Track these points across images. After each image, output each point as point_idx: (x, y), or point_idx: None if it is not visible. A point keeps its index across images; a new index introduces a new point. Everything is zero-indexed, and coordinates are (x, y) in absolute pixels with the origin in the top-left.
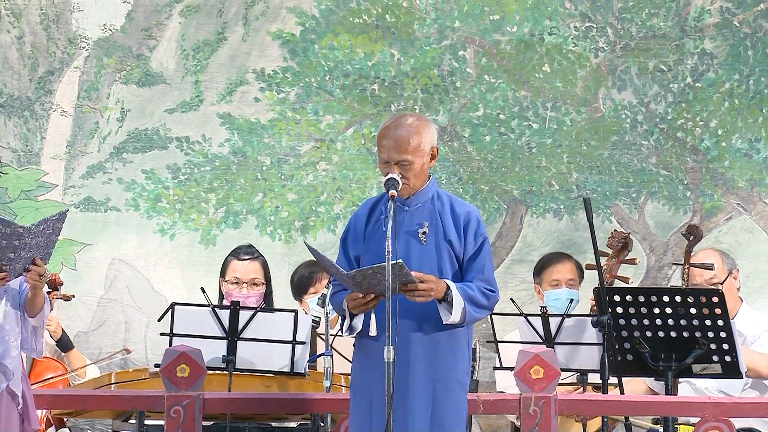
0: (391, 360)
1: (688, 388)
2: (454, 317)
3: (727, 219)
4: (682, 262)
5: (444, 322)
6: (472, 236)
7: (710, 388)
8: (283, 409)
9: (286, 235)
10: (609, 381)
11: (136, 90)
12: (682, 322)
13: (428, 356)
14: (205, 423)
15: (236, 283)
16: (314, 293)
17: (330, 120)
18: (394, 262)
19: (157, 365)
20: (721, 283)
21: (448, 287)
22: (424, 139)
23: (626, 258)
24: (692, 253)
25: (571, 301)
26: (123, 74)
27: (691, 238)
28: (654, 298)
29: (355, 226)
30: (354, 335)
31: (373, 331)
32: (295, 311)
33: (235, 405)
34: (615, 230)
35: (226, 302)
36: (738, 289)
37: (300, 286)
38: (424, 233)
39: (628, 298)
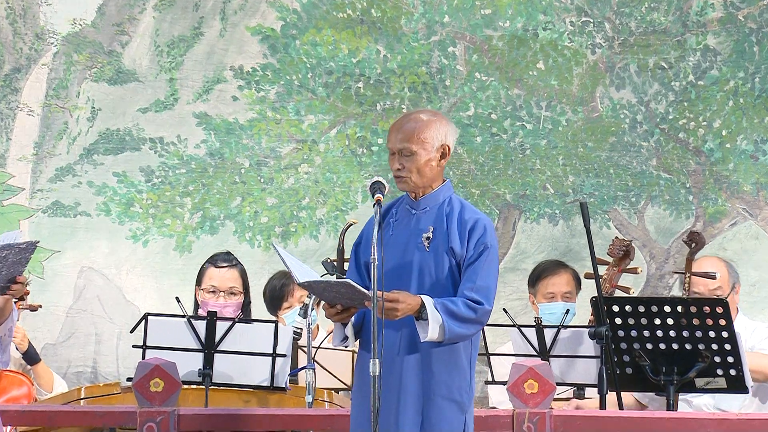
0: (377, 374)
1: (685, 406)
2: (432, 334)
3: (731, 225)
4: (683, 270)
5: (422, 340)
6: (474, 243)
7: (708, 406)
8: (262, 426)
9: (266, 242)
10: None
11: (108, 88)
12: (685, 333)
13: (421, 372)
14: None
15: (213, 292)
16: (288, 307)
17: (312, 120)
18: (344, 280)
19: (129, 379)
20: (726, 297)
21: (424, 304)
22: (433, 133)
23: (627, 267)
24: (694, 261)
25: (567, 311)
26: (94, 72)
27: (693, 245)
28: (655, 309)
29: (368, 233)
30: (346, 346)
31: (350, 344)
32: (276, 322)
33: (212, 421)
34: (616, 237)
35: (201, 312)
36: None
37: (273, 299)
38: (427, 239)
39: (628, 308)
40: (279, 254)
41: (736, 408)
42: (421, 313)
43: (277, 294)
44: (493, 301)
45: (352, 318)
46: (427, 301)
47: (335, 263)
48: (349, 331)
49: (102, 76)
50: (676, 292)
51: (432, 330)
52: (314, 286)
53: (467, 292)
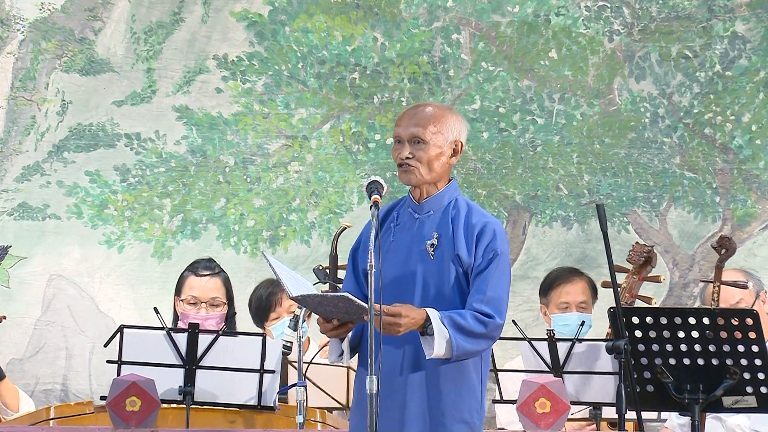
0: (374, 392)
1: (717, 425)
2: (438, 351)
3: (762, 228)
4: (712, 279)
5: (427, 357)
6: (482, 250)
7: (743, 426)
8: None
9: (253, 247)
10: (626, 416)
11: (79, 79)
12: (711, 347)
13: (426, 390)
14: None
15: (193, 303)
16: (276, 318)
17: (303, 114)
18: (342, 294)
19: (103, 398)
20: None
21: (429, 318)
22: (447, 126)
23: (649, 275)
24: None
25: (583, 323)
26: (64, 61)
27: (723, 251)
28: (678, 320)
29: (367, 237)
30: (343, 362)
31: (345, 360)
32: (263, 335)
33: None
34: (637, 243)
35: (182, 324)
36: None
37: (259, 310)
38: (432, 246)
39: (648, 319)
40: (270, 264)
41: None
42: (426, 328)
43: (263, 304)
44: (505, 313)
45: (349, 333)
46: (433, 314)
47: (328, 271)
48: (345, 346)
49: (73, 66)
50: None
51: (438, 346)
52: (308, 301)
53: (476, 304)
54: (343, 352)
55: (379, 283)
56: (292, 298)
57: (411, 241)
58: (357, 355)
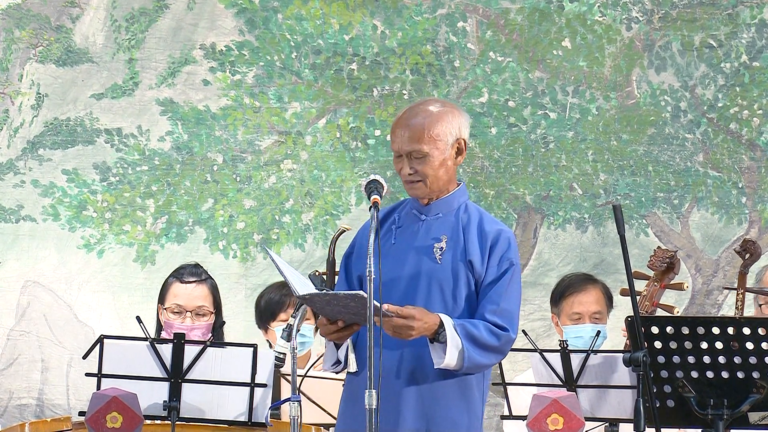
0: (374, 407)
1: None
2: (449, 361)
3: None
4: (736, 286)
5: (435, 367)
6: (497, 259)
7: None
8: None
9: (243, 252)
10: None
11: (56, 70)
12: (737, 359)
13: (423, 404)
14: None
15: (178, 312)
16: (284, 320)
17: (297, 108)
18: (356, 293)
19: (81, 413)
20: None
21: (442, 324)
22: (446, 128)
23: (671, 282)
24: (748, 275)
25: (598, 333)
26: (39, 51)
27: (747, 255)
28: (701, 330)
29: (362, 241)
30: (338, 371)
31: (352, 367)
32: (254, 346)
33: None
34: (659, 247)
35: (166, 335)
36: None
37: (266, 311)
38: (440, 249)
39: (669, 329)
40: (273, 260)
41: None
42: (438, 335)
43: (274, 306)
44: (517, 328)
45: (348, 341)
46: (447, 321)
47: (324, 277)
48: (342, 354)
49: (49, 56)
50: (727, 311)
51: (450, 356)
52: (316, 300)
53: (489, 316)
54: (338, 360)
55: (380, 289)
56: (299, 297)
57: (416, 242)
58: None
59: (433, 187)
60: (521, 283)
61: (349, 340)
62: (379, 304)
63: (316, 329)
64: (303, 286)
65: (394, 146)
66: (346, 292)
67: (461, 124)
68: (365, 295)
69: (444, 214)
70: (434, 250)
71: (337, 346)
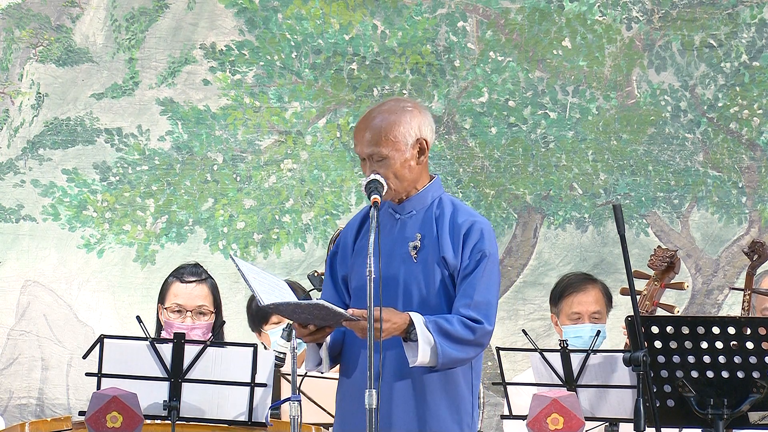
0: (374, 407)
1: None
2: (422, 358)
3: None
4: (743, 286)
5: (410, 365)
6: (469, 251)
7: None
8: None
9: (243, 251)
10: None
11: (56, 70)
12: (737, 359)
13: (414, 403)
14: None
15: (178, 311)
16: (276, 323)
17: (297, 108)
18: (315, 302)
19: (82, 413)
20: None
21: (413, 322)
22: (403, 128)
23: (671, 282)
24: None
25: (598, 333)
26: (39, 50)
27: (756, 257)
28: (701, 330)
29: (345, 241)
30: (323, 371)
31: (325, 369)
32: (254, 345)
33: None
34: (659, 247)
35: (166, 334)
36: None
37: (258, 314)
38: (415, 248)
39: (669, 329)
40: (238, 269)
41: None
42: (409, 333)
43: (265, 309)
44: (494, 319)
45: (327, 339)
46: (417, 319)
47: (323, 277)
48: (323, 353)
49: (49, 56)
50: (728, 310)
51: (423, 353)
52: (282, 309)
53: (464, 310)
54: (321, 361)
55: (380, 288)
56: (263, 307)
57: (392, 243)
58: (339, 365)
59: (396, 188)
60: (499, 274)
61: (328, 338)
62: (344, 311)
63: None
64: (269, 295)
65: (357, 149)
66: (307, 301)
67: (421, 123)
68: (325, 304)
69: (417, 211)
70: (409, 249)
71: (320, 345)
